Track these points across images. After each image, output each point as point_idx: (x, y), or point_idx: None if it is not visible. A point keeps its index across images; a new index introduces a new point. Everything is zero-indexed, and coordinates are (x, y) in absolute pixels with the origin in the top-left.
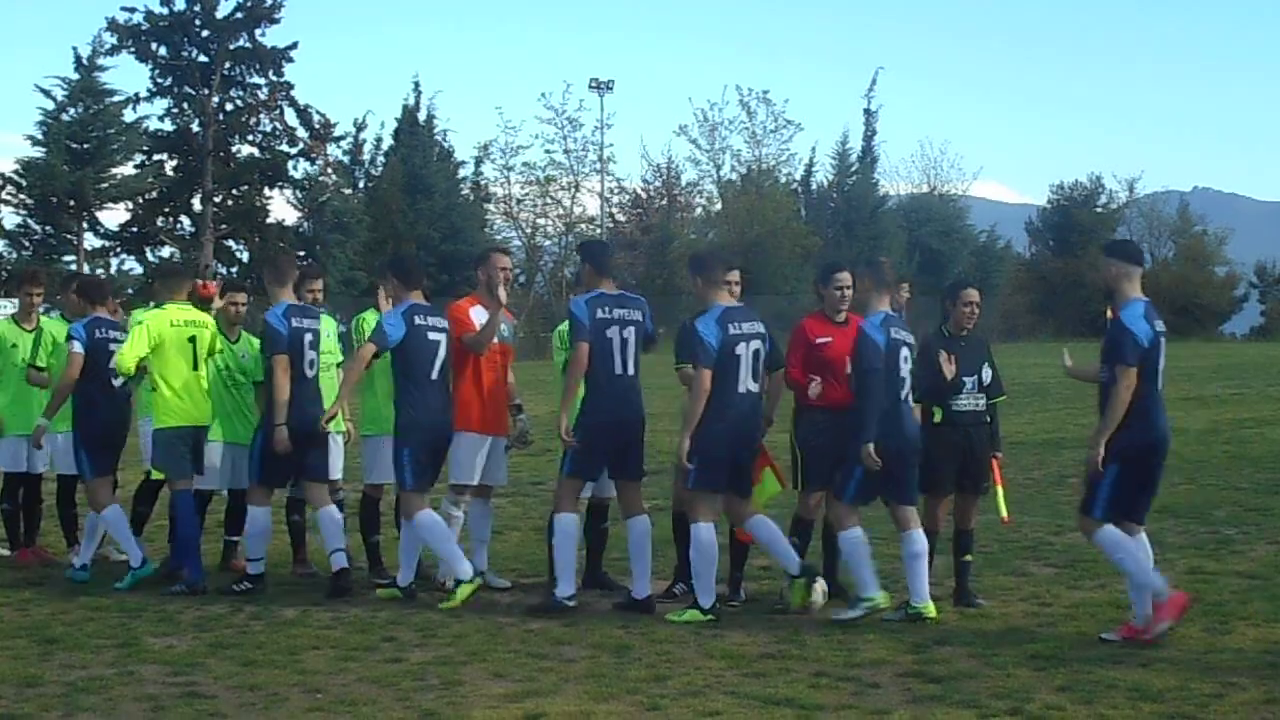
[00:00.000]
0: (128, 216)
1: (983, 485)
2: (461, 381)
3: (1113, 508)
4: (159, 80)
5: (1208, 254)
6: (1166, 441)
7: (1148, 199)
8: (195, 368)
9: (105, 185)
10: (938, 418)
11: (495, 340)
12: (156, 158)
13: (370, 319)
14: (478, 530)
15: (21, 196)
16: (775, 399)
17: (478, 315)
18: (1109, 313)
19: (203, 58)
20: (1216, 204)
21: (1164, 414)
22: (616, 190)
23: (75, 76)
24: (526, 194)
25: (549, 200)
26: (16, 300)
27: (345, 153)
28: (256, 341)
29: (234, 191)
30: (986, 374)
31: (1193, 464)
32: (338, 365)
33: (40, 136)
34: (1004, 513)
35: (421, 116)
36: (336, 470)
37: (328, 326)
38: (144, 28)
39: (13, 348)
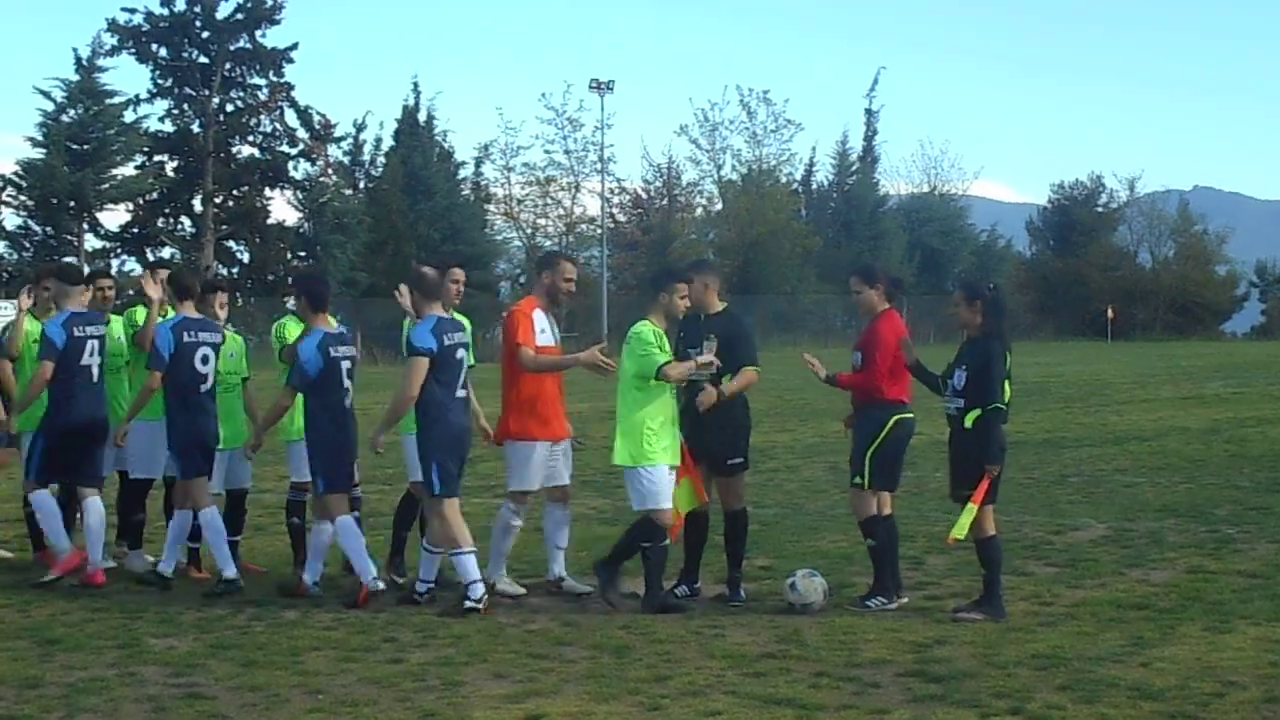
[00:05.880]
0: (128, 217)
1: (961, 493)
2: (518, 387)
3: None
4: (159, 81)
5: (1208, 253)
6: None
7: (1148, 198)
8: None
9: (106, 186)
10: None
11: (554, 343)
12: (157, 159)
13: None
14: (555, 537)
15: (22, 198)
16: (740, 385)
17: (540, 319)
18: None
19: (203, 59)
20: (1217, 203)
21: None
22: (617, 190)
23: (75, 78)
24: (527, 194)
25: (549, 201)
26: (15, 301)
27: (345, 153)
28: (241, 340)
29: (234, 192)
30: (958, 378)
31: (1193, 463)
32: None
33: (40, 138)
34: (953, 532)
35: (422, 117)
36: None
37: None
38: (144, 29)
39: (35, 344)
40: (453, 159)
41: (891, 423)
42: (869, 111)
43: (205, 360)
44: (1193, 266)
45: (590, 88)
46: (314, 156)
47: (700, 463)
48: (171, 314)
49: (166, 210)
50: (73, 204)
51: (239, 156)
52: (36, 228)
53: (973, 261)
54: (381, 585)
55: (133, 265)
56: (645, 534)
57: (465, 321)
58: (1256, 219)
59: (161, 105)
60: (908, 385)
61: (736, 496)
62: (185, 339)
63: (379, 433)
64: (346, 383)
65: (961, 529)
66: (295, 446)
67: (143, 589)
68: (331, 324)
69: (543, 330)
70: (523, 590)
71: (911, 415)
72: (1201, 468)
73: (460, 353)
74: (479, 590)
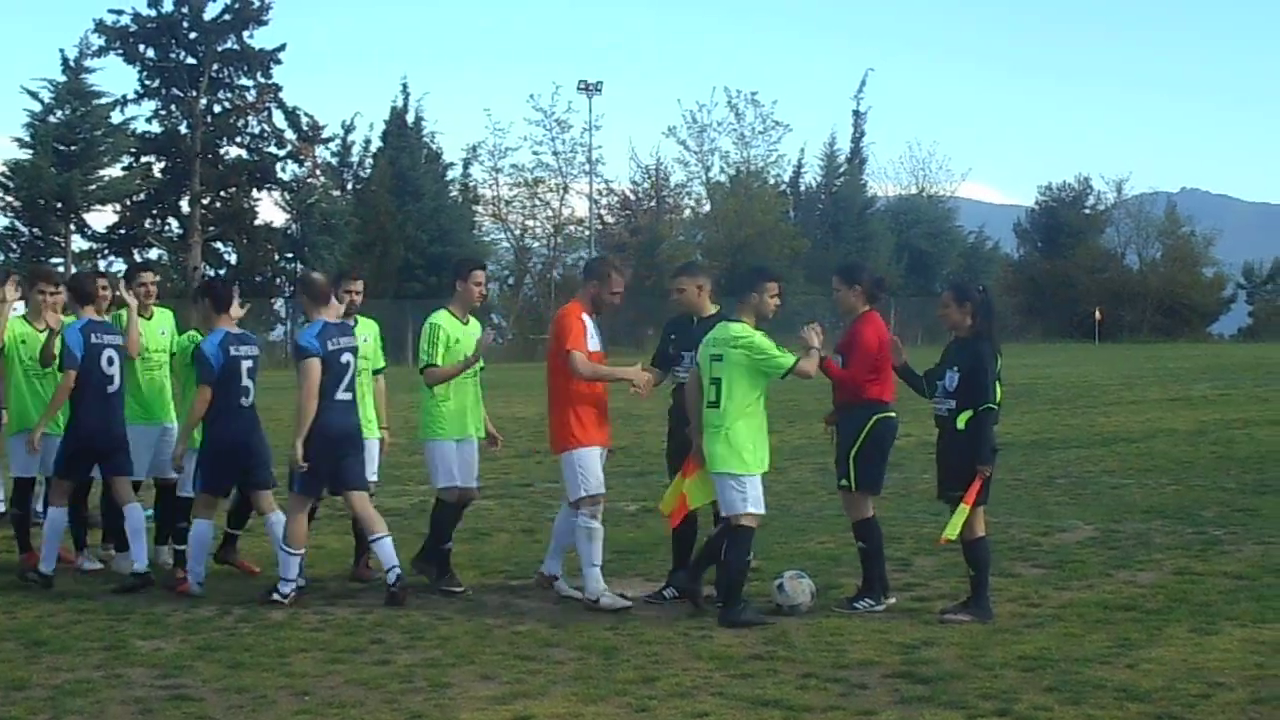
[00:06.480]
0: (115, 218)
1: (950, 494)
2: (575, 394)
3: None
4: (147, 82)
5: (1195, 255)
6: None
7: (1135, 200)
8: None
9: (93, 187)
10: None
11: (599, 349)
12: (144, 160)
13: (441, 317)
14: (563, 536)
15: (8, 199)
16: None
17: (588, 325)
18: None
19: (190, 59)
20: (1204, 205)
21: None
22: (605, 192)
23: (62, 78)
24: (515, 196)
25: (537, 202)
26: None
27: (333, 154)
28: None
29: (222, 193)
30: (949, 379)
31: (1180, 465)
32: (377, 371)
33: (27, 138)
34: (946, 532)
35: (410, 118)
36: (371, 473)
37: (366, 330)
38: (131, 29)
39: (22, 344)
40: (441, 160)
41: (872, 422)
42: (857, 113)
43: (111, 362)
44: (1180, 268)
45: (578, 89)
46: (302, 158)
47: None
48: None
49: (154, 211)
50: (60, 205)
51: (226, 157)
52: (23, 229)
53: (960, 263)
54: (201, 592)
55: (120, 266)
56: (743, 546)
57: (476, 324)
58: (1243, 221)
59: (149, 106)
60: (891, 385)
61: None
62: (93, 340)
63: (296, 439)
64: (246, 382)
65: (953, 529)
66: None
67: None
68: (234, 324)
69: (591, 336)
70: (628, 604)
71: (894, 415)
72: (1188, 469)
73: (346, 356)
74: (287, 588)
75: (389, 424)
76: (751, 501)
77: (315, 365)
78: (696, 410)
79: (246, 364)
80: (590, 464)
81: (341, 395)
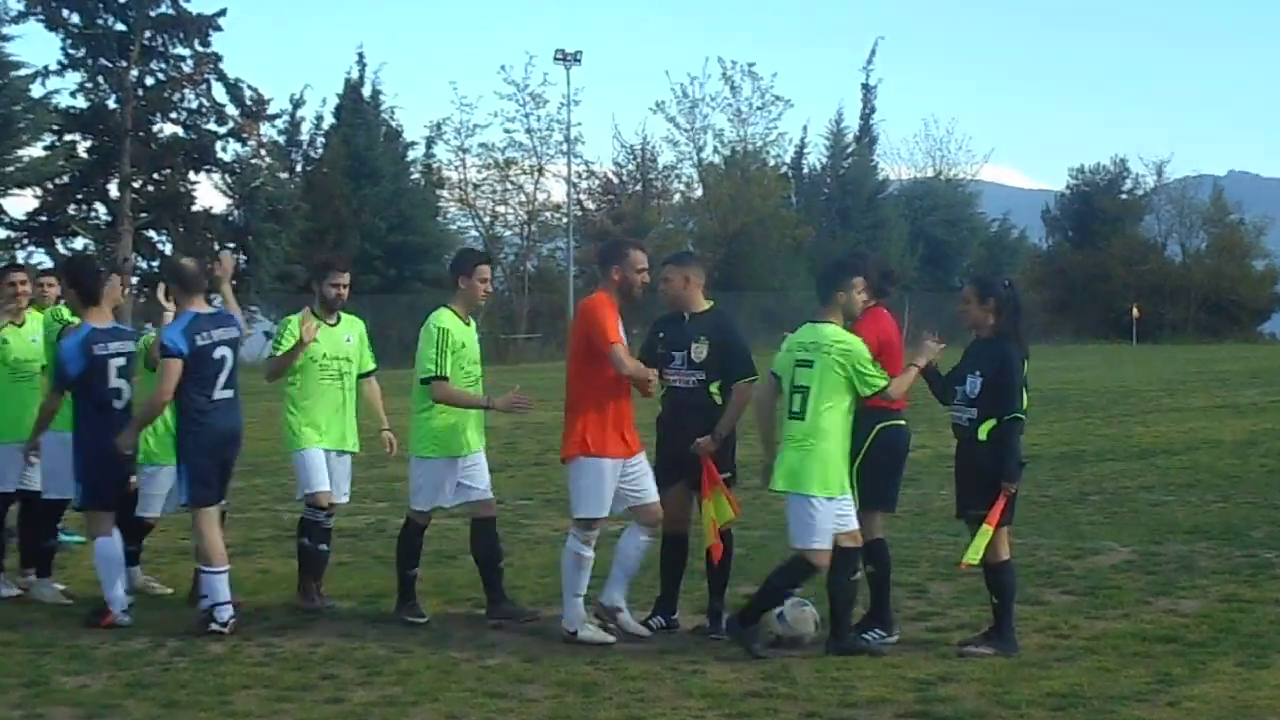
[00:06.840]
0: (36, 204)
1: (970, 513)
2: (597, 396)
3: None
4: (71, 51)
5: (1244, 245)
6: None
7: (1178, 184)
8: None
9: (10, 169)
10: None
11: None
12: (68, 138)
13: (446, 319)
14: (629, 561)
15: None
16: (737, 411)
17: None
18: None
19: (120, 26)
20: (1255, 190)
21: None
22: (585, 174)
23: None
24: (484, 179)
25: (509, 185)
26: None
27: (281, 132)
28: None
29: (155, 175)
30: (971, 385)
31: (1228, 479)
32: (365, 374)
33: None
34: (967, 556)
35: (366, 92)
36: (343, 493)
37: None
38: None
39: None
40: (401, 139)
41: (875, 432)
42: (866, 86)
43: None
44: (1227, 260)
45: (555, 59)
46: (245, 136)
47: (682, 479)
48: None
49: (79, 195)
50: None
51: (160, 136)
52: None
53: (982, 254)
54: (128, 620)
55: (41, 257)
56: (796, 576)
57: (473, 324)
58: None
59: (73, 78)
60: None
61: None
62: None
63: (126, 438)
64: (116, 382)
65: (976, 552)
66: (297, 456)
67: (53, 621)
68: (107, 318)
69: (621, 331)
70: (611, 639)
71: (902, 424)
72: (1236, 485)
73: (220, 351)
74: (226, 613)
75: (389, 425)
76: (820, 533)
77: (175, 366)
78: (765, 424)
79: (117, 362)
80: (600, 479)
81: (220, 395)
